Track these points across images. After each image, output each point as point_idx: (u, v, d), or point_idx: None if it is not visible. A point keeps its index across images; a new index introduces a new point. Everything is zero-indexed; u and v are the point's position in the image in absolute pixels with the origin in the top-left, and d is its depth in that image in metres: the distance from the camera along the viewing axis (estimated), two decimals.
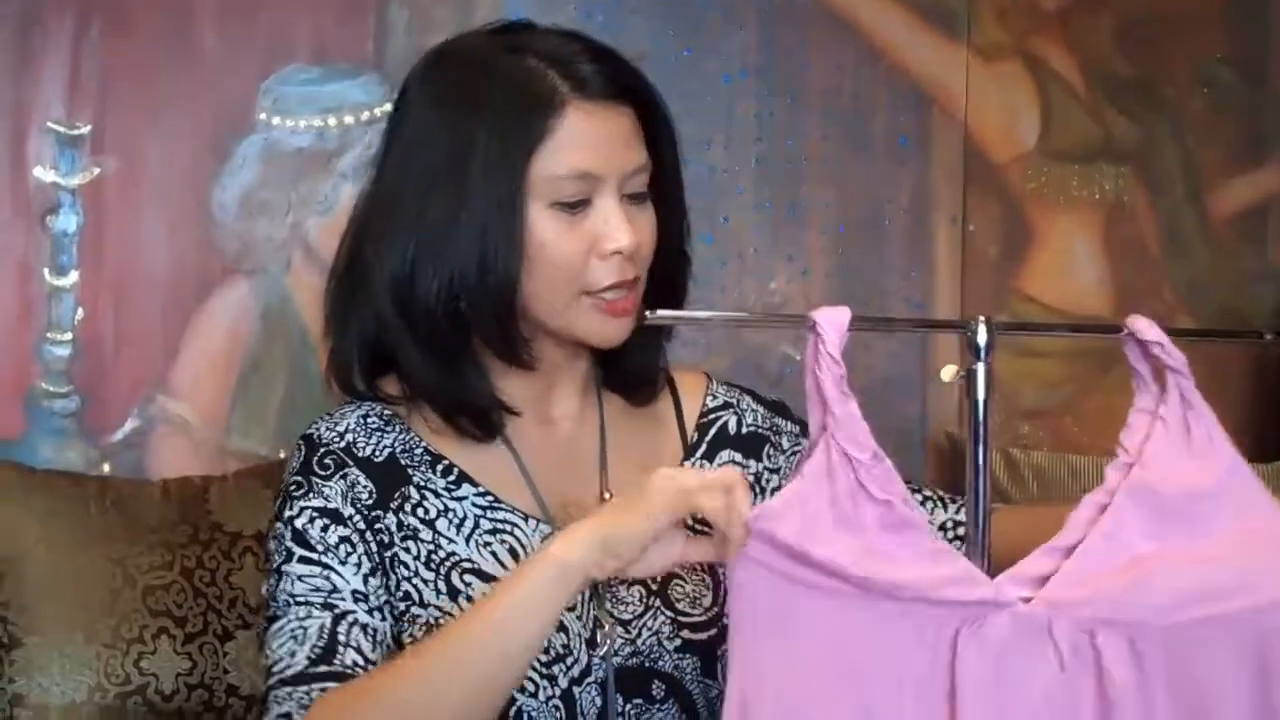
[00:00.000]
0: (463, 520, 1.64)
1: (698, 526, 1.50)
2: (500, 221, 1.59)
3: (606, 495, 1.68)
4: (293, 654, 1.55)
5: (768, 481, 1.74)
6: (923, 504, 1.73)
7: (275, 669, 1.55)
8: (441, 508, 1.64)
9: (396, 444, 1.66)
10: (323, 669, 1.54)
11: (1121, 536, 1.43)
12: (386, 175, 1.66)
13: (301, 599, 1.57)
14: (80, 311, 2.52)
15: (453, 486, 1.65)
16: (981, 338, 1.45)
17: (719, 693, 1.62)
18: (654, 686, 1.62)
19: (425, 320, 1.62)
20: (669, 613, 1.64)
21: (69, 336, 2.52)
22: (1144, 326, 1.46)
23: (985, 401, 1.45)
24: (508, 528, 1.64)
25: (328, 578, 1.58)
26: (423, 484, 1.65)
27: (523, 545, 1.64)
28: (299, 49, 2.57)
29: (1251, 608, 1.38)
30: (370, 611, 1.59)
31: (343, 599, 1.58)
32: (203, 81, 2.55)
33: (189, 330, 2.55)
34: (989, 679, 1.39)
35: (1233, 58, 2.86)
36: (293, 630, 1.56)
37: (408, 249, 1.62)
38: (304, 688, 1.53)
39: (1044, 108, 2.80)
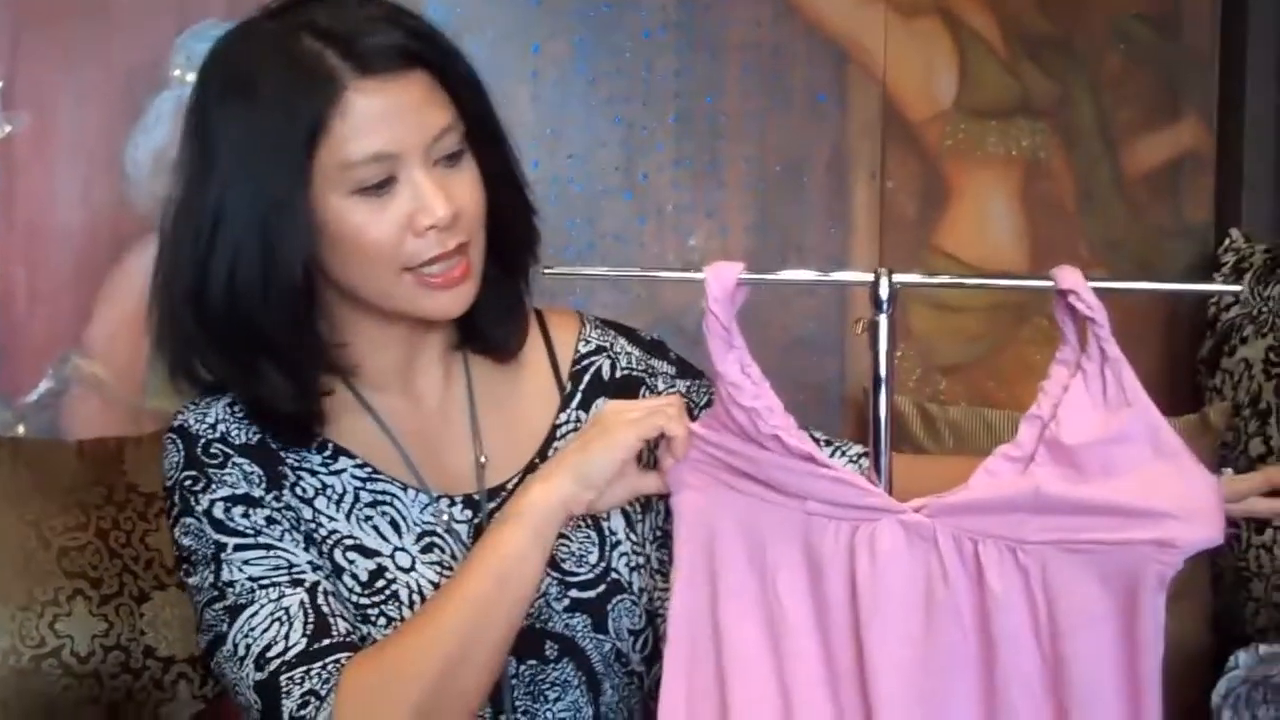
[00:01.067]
0: (342, 495, 1.62)
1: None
2: (283, 218, 1.54)
3: (482, 459, 1.68)
4: (286, 636, 1.53)
5: None
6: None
7: (271, 653, 1.52)
8: (319, 485, 1.62)
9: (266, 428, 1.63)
10: (326, 642, 1.53)
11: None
12: (182, 174, 1.60)
13: (267, 581, 1.55)
14: None
15: (330, 461, 1.64)
16: (884, 290, 1.46)
17: (611, 647, 1.65)
18: (547, 647, 1.63)
19: (219, 325, 1.57)
20: (555, 573, 1.64)
21: None
22: (1064, 276, 1.46)
23: (888, 353, 1.47)
24: (388, 499, 1.64)
25: (279, 555, 1.56)
26: (297, 464, 1.62)
27: (403, 517, 1.63)
28: (212, 3, 2.53)
29: (1124, 541, 1.41)
30: (328, 577, 1.58)
31: (304, 572, 1.56)
32: (116, 37, 2.52)
33: (103, 289, 2.52)
34: (879, 583, 1.45)
35: (1148, 14, 2.87)
36: (272, 613, 1.54)
37: (198, 252, 1.56)
38: (317, 664, 1.51)
39: (962, 64, 2.80)
